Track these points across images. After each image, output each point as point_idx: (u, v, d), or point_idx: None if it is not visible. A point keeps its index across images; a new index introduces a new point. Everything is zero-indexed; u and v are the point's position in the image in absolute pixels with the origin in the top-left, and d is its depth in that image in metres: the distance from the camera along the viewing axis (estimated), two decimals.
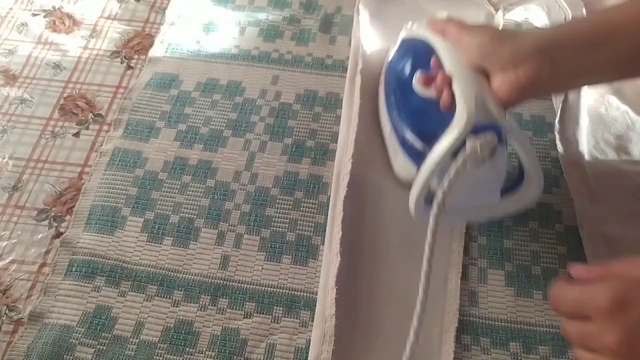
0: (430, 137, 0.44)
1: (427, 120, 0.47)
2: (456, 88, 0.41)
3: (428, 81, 0.46)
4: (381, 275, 0.50)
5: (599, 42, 0.37)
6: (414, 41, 0.51)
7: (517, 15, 0.67)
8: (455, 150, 0.41)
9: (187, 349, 0.46)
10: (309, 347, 0.45)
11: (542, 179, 0.44)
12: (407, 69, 0.52)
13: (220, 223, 0.53)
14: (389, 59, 0.57)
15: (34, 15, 0.70)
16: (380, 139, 0.56)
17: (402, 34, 0.55)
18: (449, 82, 0.42)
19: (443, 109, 0.43)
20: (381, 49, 0.62)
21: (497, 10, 0.65)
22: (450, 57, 0.43)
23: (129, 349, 0.46)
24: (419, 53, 0.50)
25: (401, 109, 0.52)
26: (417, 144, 0.48)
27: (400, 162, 0.52)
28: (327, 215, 0.52)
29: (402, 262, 0.50)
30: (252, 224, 0.53)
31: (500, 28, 0.44)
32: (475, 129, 0.40)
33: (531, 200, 0.46)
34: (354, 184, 0.52)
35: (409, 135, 0.49)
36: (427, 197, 0.44)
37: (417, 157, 0.47)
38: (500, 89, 0.39)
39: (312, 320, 0.47)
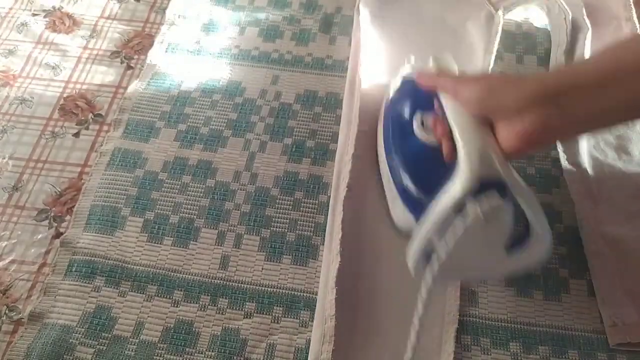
0: (430, 188, 0.41)
1: (427, 168, 0.45)
2: (457, 140, 0.39)
3: (430, 125, 0.45)
4: (381, 275, 0.50)
5: (605, 83, 0.35)
6: (414, 81, 0.49)
7: (517, 15, 0.67)
8: (459, 208, 0.38)
9: (187, 349, 0.46)
10: (309, 347, 0.45)
11: (550, 236, 0.40)
12: (408, 110, 0.49)
13: (220, 223, 0.53)
14: (389, 96, 0.54)
15: (34, 15, 0.70)
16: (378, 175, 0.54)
17: (403, 71, 0.53)
18: (448, 132, 0.40)
19: (446, 160, 0.41)
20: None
21: (497, 10, 0.65)
22: (451, 105, 0.40)
23: (129, 349, 0.46)
24: (420, 93, 0.47)
25: (400, 153, 0.49)
26: (416, 193, 0.46)
27: (399, 210, 0.49)
28: (327, 215, 0.52)
29: (403, 262, 0.50)
30: (252, 224, 0.53)
31: (497, 73, 0.41)
32: (479, 186, 0.37)
33: (538, 258, 0.41)
34: (354, 183, 0.52)
35: (408, 183, 0.46)
36: (426, 251, 0.40)
37: (416, 207, 0.44)
38: (507, 139, 0.37)
39: (312, 321, 0.47)
